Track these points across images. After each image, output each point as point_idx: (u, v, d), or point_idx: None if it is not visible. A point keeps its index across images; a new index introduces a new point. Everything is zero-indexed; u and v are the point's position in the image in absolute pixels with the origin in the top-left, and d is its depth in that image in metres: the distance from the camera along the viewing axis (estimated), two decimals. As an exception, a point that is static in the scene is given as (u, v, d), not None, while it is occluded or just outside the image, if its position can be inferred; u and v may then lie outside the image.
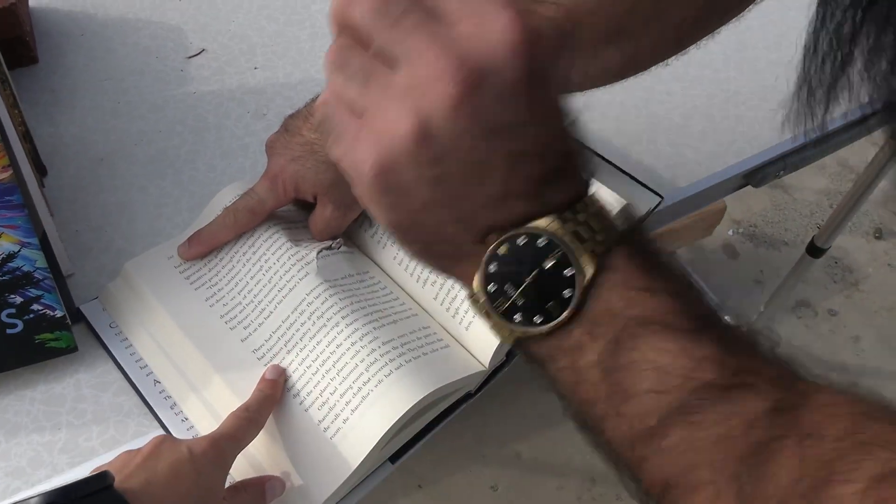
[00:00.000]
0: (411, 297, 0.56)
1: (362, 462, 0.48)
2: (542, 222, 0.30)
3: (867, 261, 1.63)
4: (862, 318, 1.54)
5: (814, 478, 0.26)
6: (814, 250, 1.19)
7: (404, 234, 0.32)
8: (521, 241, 0.30)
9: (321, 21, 0.81)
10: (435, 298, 0.55)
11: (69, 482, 0.38)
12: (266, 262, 0.57)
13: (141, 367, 0.55)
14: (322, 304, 0.53)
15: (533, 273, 0.30)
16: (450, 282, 0.54)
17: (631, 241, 0.31)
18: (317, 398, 0.50)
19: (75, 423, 0.53)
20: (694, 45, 0.54)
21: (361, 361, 0.50)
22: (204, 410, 0.52)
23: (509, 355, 0.55)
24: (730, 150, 0.73)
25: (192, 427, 0.52)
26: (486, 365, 0.53)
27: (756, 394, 0.28)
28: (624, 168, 0.62)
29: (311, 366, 0.51)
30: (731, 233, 1.65)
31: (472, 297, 0.32)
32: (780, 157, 0.73)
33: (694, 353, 0.28)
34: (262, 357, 0.53)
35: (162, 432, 0.52)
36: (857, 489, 0.25)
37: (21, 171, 0.53)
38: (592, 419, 0.30)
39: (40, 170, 0.66)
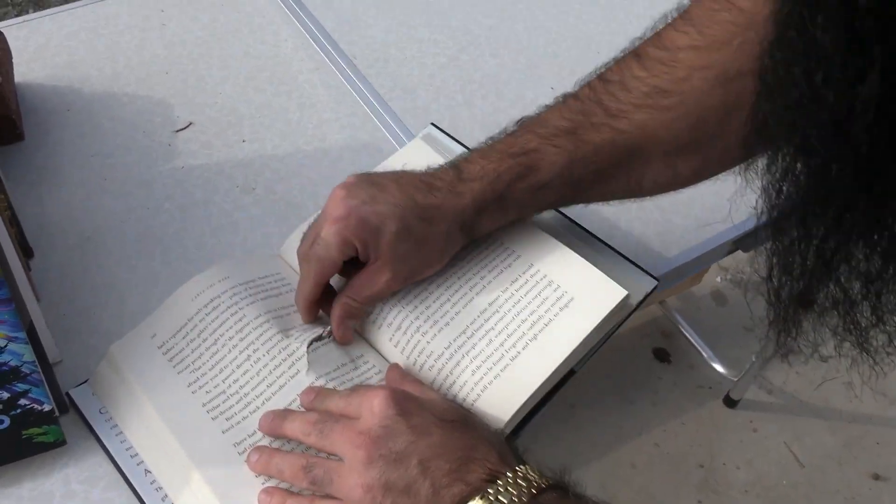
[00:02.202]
0: (407, 380, 0.56)
1: None
2: (473, 501, 0.43)
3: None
4: (854, 363, 1.53)
5: None
6: (805, 301, 1.20)
7: None
8: None
9: (308, 91, 0.81)
10: (432, 383, 0.54)
11: None
12: (255, 352, 0.55)
13: (132, 456, 0.54)
14: None
15: None
16: (448, 367, 0.53)
17: (545, 490, 0.44)
18: None
19: (63, 521, 0.52)
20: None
21: None
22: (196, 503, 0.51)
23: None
24: (717, 215, 0.74)
25: (184, 522, 0.51)
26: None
27: None
28: (616, 237, 0.62)
29: None
30: (719, 280, 1.66)
31: None
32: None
33: None
34: (244, 453, 0.52)
35: (153, 529, 0.51)
36: None
37: (8, 264, 0.52)
38: None
39: (26, 252, 0.65)
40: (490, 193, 0.54)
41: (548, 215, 0.64)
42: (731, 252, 0.74)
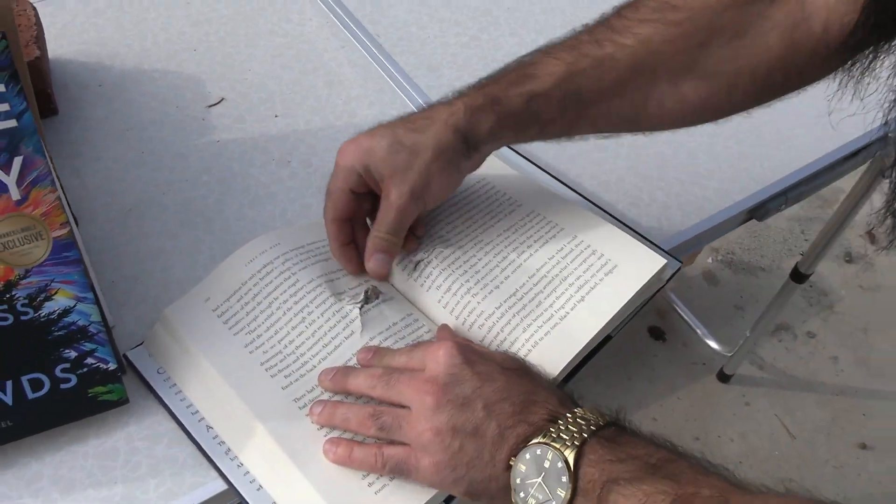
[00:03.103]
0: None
1: None
2: (536, 439, 0.46)
3: (840, 284, 1.69)
4: (838, 339, 1.60)
5: None
6: (798, 276, 1.24)
7: (466, 484, 0.48)
8: (528, 455, 0.46)
9: (335, 69, 0.83)
10: (482, 341, 0.56)
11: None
12: (310, 314, 0.58)
13: (192, 413, 0.56)
14: None
15: (542, 474, 0.45)
16: (498, 326, 0.56)
17: (604, 428, 0.47)
18: None
19: (131, 476, 0.53)
20: (777, 100, 0.56)
21: None
22: (259, 457, 0.53)
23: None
24: (734, 186, 0.77)
25: (248, 473, 0.53)
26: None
27: None
28: (640, 207, 0.65)
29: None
30: (710, 261, 1.70)
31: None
32: (781, 192, 0.77)
33: (648, 491, 0.43)
34: (304, 407, 0.54)
35: (220, 481, 0.53)
36: None
37: (74, 228, 0.54)
38: None
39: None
40: (483, 98, 0.55)
41: (579, 201, 0.67)
42: (746, 221, 0.78)
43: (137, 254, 0.66)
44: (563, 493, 0.45)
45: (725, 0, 0.52)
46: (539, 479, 0.46)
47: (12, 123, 0.48)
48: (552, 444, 0.46)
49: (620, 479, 0.44)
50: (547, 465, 0.45)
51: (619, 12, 0.56)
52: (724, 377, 1.51)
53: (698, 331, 1.54)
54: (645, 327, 1.58)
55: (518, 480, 0.46)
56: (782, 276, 1.32)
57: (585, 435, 0.46)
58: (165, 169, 0.73)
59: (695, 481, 0.43)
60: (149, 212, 0.69)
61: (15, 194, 0.49)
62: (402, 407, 0.50)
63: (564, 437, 0.46)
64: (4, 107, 0.47)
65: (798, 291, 1.64)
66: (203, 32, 0.86)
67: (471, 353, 0.50)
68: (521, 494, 0.46)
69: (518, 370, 0.50)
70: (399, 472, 0.50)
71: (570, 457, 0.45)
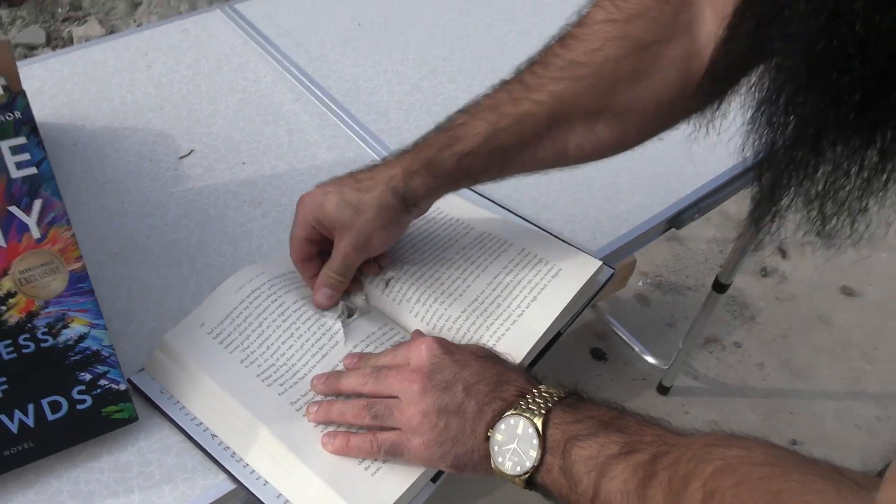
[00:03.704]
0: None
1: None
2: (509, 412, 0.54)
3: (759, 296, 1.84)
4: (762, 346, 1.73)
5: (676, 487, 0.45)
6: (718, 286, 1.37)
7: (452, 457, 0.56)
8: (503, 425, 0.54)
9: (293, 119, 0.92)
10: (451, 340, 0.64)
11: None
12: (297, 330, 0.65)
13: (197, 425, 0.61)
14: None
15: (516, 440, 0.53)
16: (465, 326, 0.64)
17: (565, 398, 0.55)
18: None
19: (146, 485, 0.59)
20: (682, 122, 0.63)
21: None
22: (263, 456, 0.59)
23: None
24: (653, 200, 0.88)
25: (254, 472, 0.59)
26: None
27: (641, 452, 0.49)
28: (575, 223, 0.75)
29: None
30: (640, 284, 1.83)
31: (494, 469, 0.55)
32: (694, 203, 0.89)
33: (602, 442, 0.51)
34: (300, 409, 0.61)
35: (229, 482, 0.59)
36: (699, 485, 0.43)
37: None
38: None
39: (65, 267, 0.72)
40: (419, 161, 0.62)
41: (520, 222, 0.77)
42: (666, 230, 0.89)
43: (129, 293, 0.72)
44: (534, 453, 0.53)
45: (624, 50, 0.58)
46: (514, 445, 0.54)
47: (33, 171, 0.54)
48: (523, 414, 0.54)
49: (580, 435, 0.52)
50: (520, 431, 0.53)
51: (531, 68, 0.62)
52: (663, 389, 1.61)
53: (636, 348, 1.65)
54: (587, 349, 1.68)
55: (496, 448, 0.54)
56: (707, 293, 1.45)
57: (550, 405, 0.54)
58: (146, 216, 0.79)
59: (640, 431, 0.52)
60: (135, 255, 0.75)
61: (35, 233, 0.55)
62: (392, 398, 0.58)
63: (532, 407, 0.54)
64: (26, 156, 0.54)
65: (722, 306, 1.78)
66: (167, 92, 0.93)
67: (448, 344, 0.58)
68: (500, 459, 0.54)
69: (489, 357, 0.59)
70: (393, 454, 0.57)
71: (539, 423, 0.53)
